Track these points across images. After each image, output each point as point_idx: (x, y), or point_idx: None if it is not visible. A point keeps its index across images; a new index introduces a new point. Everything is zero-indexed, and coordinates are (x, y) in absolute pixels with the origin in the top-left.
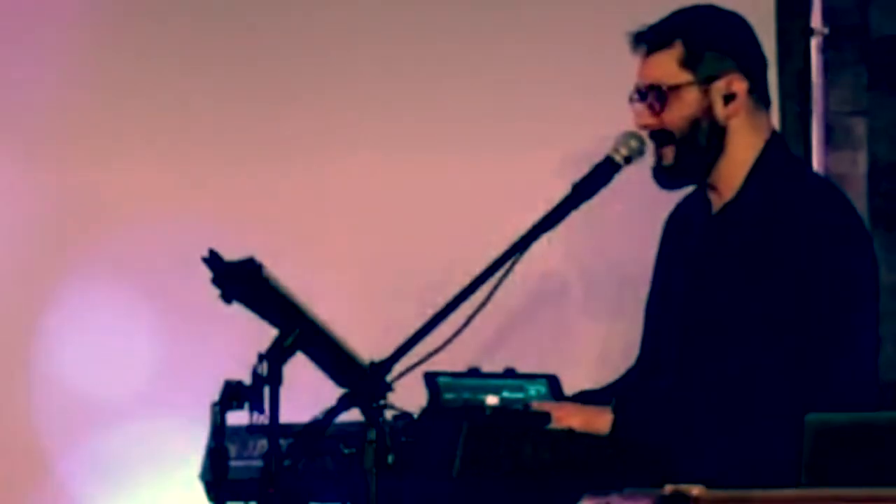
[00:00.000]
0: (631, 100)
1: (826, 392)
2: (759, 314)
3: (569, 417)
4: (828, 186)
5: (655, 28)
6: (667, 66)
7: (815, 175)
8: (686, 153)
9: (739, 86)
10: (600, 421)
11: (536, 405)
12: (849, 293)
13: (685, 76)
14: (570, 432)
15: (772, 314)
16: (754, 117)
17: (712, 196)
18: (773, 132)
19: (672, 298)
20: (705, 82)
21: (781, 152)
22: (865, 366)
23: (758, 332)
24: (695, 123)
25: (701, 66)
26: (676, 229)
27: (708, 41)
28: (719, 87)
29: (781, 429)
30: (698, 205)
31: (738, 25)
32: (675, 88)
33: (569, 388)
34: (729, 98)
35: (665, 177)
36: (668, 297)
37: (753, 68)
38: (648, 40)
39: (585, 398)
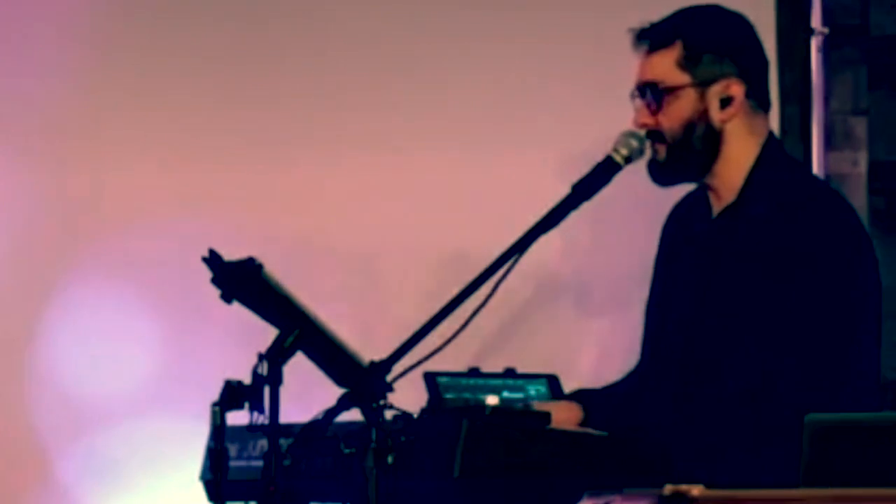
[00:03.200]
0: (632, 96)
1: (831, 392)
2: (766, 318)
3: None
4: (828, 189)
5: (657, 26)
6: (665, 67)
7: (815, 178)
8: (679, 154)
9: (737, 90)
10: None
11: (537, 405)
12: (853, 294)
13: (683, 77)
14: (570, 432)
15: (778, 318)
16: (752, 121)
17: (711, 198)
18: (770, 134)
19: (674, 300)
20: (702, 85)
21: (779, 155)
22: (868, 366)
23: (765, 335)
24: (689, 126)
25: (699, 69)
26: (676, 230)
27: (708, 43)
28: (716, 90)
29: (787, 429)
30: (698, 206)
31: (740, 27)
32: (672, 90)
33: (569, 389)
34: (725, 101)
35: (659, 172)
36: (669, 299)
37: (753, 72)
38: (650, 38)
39: (584, 396)
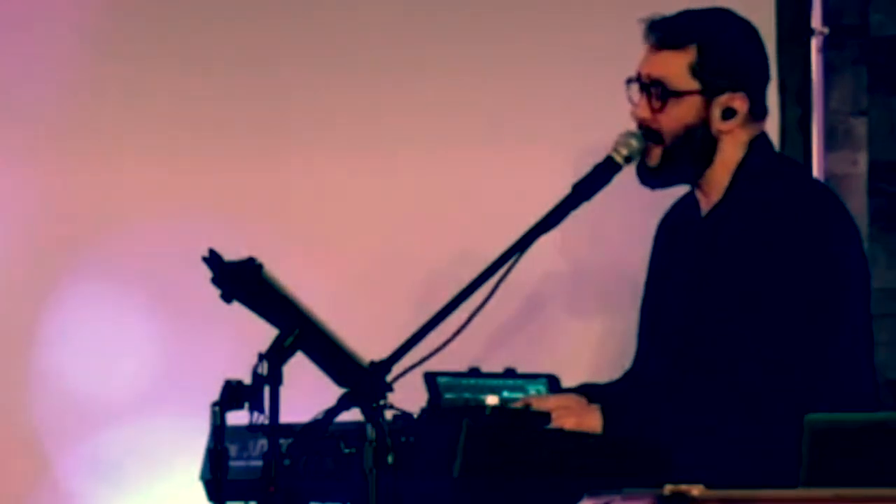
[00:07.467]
0: (628, 82)
1: (824, 386)
2: (759, 311)
3: (561, 419)
4: (813, 181)
5: (672, 24)
6: (676, 68)
7: (801, 170)
8: (674, 159)
9: (741, 104)
10: (591, 421)
11: (535, 400)
12: (840, 284)
13: (692, 83)
14: (570, 432)
15: (769, 310)
16: (748, 130)
17: (701, 198)
18: (760, 134)
19: (667, 302)
20: (709, 94)
21: (766, 150)
22: (860, 355)
23: (758, 328)
24: (689, 131)
25: (709, 78)
26: (669, 232)
27: (722, 54)
28: (721, 100)
29: (784, 425)
30: (689, 207)
31: (751, 39)
32: (679, 93)
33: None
34: (728, 113)
35: (648, 176)
36: (662, 301)
37: (758, 86)
38: (662, 34)
39: (587, 391)
